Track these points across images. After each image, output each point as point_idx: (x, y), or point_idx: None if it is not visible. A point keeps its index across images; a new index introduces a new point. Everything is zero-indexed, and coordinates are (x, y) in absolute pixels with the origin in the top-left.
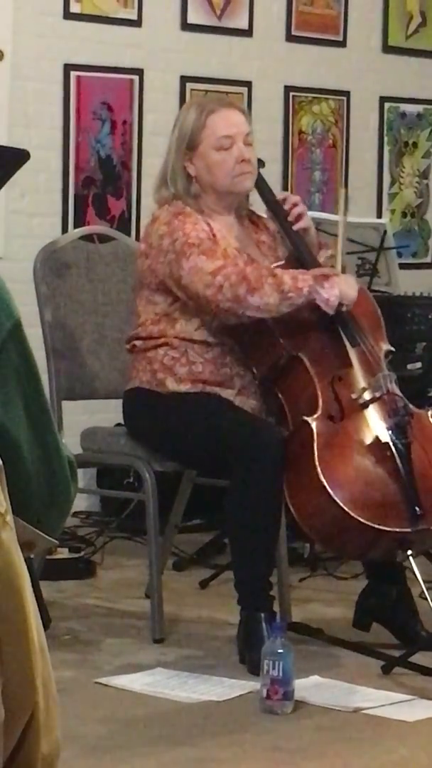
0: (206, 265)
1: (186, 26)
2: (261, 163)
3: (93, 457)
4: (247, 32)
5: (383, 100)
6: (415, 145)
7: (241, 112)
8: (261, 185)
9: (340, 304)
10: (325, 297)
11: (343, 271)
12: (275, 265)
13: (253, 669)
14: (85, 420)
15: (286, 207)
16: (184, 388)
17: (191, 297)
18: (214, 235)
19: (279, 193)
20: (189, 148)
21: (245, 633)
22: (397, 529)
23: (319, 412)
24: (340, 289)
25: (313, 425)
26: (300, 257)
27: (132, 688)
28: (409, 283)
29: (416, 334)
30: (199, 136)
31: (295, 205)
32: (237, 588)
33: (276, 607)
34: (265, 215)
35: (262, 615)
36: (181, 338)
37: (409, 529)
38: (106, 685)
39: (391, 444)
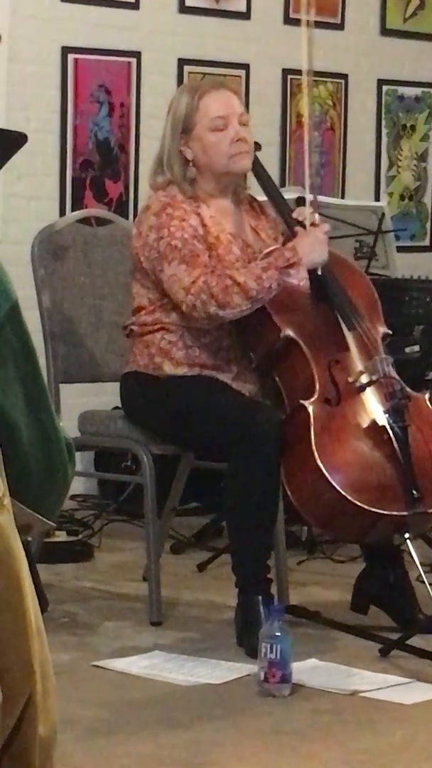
0: (183, 277)
1: (184, 9)
2: (257, 146)
3: (90, 440)
4: (245, 15)
5: (381, 82)
6: (413, 128)
7: (234, 92)
8: (258, 169)
9: (316, 272)
10: (295, 283)
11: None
12: (271, 248)
13: (251, 652)
14: (82, 403)
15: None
16: (182, 371)
17: (173, 300)
18: (204, 225)
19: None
20: (184, 132)
21: (243, 616)
22: (395, 513)
23: (316, 395)
24: (307, 261)
25: (310, 409)
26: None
27: (130, 671)
28: (407, 267)
29: (414, 317)
30: (194, 119)
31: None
32: (235, 571)
33: (274, 590)
34: (262, 199)
35: (260, 598)
36: (178, 324)
37: (406, 513)
38: (103, 668)
39: (388, 427)
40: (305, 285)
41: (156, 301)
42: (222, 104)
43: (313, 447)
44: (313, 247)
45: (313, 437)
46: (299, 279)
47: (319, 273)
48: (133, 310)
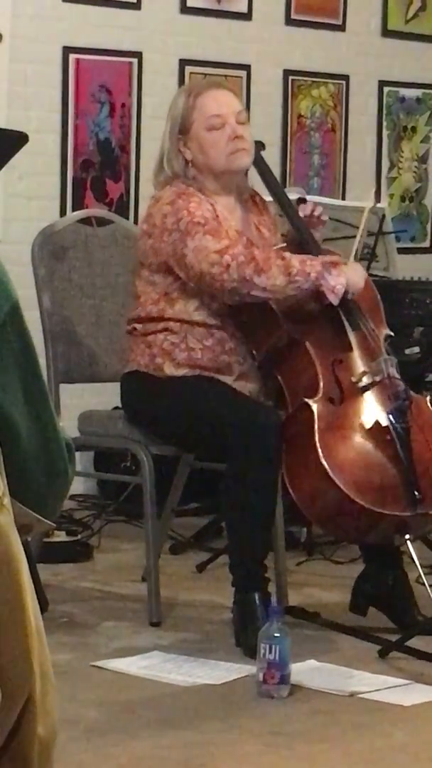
0: (212, 244)
1: (185, 9)
2: (261, 145)
3: (90, 441)
4: (247, 15)
5: (382, 84)
6: (413, 129)
7: (231, 91)
8: (262, 168)
9: (346, 292)
10: (332, 284)
11: (356, 259)
12: (276, 247)
13: (249, 652)
14: (82, 403)
15: (303, 213)
16: (182, 372)
17: (194, 277)
18: (217, 216)
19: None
20: (182, 132)
21: (240, 614)
22: (396, 513)
23: (320, 394)
24: (347, 277)
25: (314, 407)
26: (302, 241)
27: (128, 672)
28: (408, 268)
29: (414, 318)
30: (190, 119)
31: (313, 210)
32: (232, 570)
33: (272, 591)
34: (267, 198)
35: (256, 594)
36: (180, 320)
37: (407, 513)
38: (102, 669)
39: (390, 428)
40: (339, 291)
41: (161, 295)
42: (218, 103)
43: (317, 445)
44: (356, 271)
45: (316, 435)
46: (336, 282)
47: (349, 297)
48: (137, 304)
